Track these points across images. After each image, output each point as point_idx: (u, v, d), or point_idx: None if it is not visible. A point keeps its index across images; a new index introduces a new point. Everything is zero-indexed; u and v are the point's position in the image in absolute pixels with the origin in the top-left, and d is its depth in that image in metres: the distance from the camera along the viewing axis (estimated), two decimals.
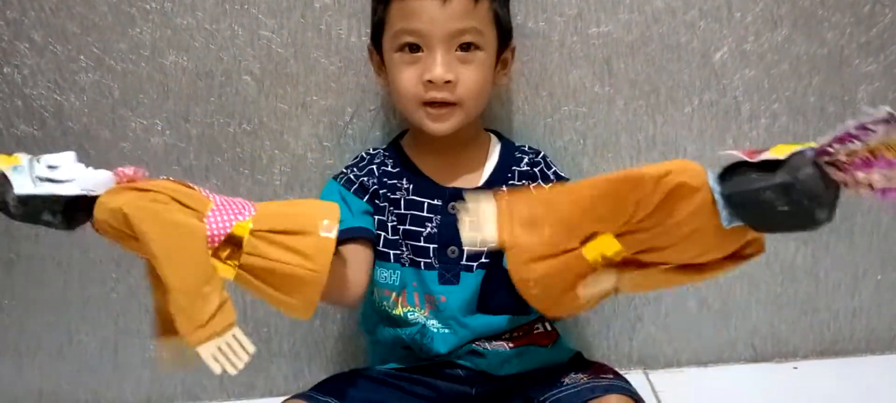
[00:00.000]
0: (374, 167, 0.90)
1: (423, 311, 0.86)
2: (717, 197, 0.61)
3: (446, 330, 0.86)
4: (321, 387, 0.86)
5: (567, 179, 0.92)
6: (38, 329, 1.06)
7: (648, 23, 0.96)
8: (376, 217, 0.87)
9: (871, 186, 0.56)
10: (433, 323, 0.86)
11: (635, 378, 1.07)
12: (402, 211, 0.87)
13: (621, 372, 0.88)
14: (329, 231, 0.68)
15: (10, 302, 1.05)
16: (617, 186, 0.65)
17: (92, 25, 0.94)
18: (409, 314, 0.86)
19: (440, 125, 0.84)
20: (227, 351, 0.65)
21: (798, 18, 0.97)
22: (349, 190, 0.87)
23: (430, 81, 0.81)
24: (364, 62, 0.95)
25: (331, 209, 0.70)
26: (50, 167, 0.65)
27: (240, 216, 0.67)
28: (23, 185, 0.64)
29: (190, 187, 0.68)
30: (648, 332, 1.10)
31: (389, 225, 0.87)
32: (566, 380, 0.82)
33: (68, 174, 0.65)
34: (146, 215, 0.64)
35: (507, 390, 0.86)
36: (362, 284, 0.83)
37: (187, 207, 0.65)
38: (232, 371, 0.65)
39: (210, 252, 0.65)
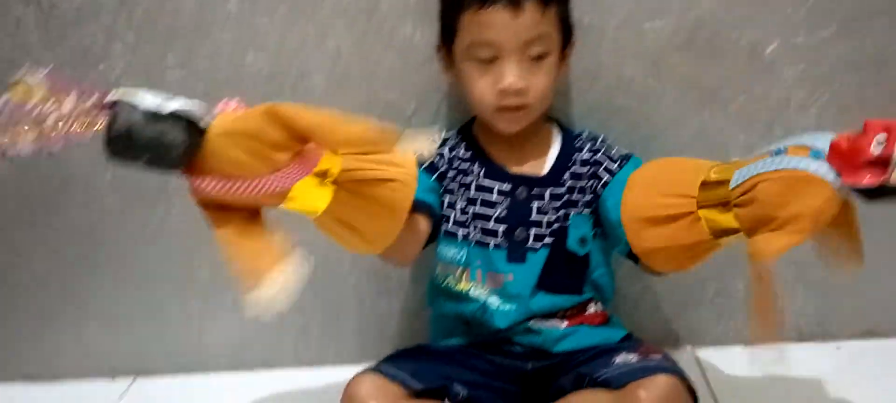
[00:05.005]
0: (446, 150, 0.95)
1: (484, 288, 0.91)
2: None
3: (507, 307, 0.91)
4: (389, 361, 0.92)
5: (630, 157, 0.94)
6: (130, 303, 1.16)
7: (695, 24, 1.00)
8: (445, 197, 0.93)
9: None
10: (494, 300, 0.91)
11: (682, 354, 1.11)
12: (473, 193, 0.92)
13: (669, 349, 0.93)
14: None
15: (101, 279, 1.15)
16: None
17: (175, 33, 1.03)
18: (470, 290, 0.92)
19: (513, 126, 0.90)
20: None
21: (842, 20, 1.00)
22: (419, 166, 0.92)
23: (503, 90, 0.86)
24: (426, 60, 1.01)
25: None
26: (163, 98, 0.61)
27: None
28: (151, 102, 0.60)
29: None
30: (696, 312, 1.14)
31: (458, 206, 0.92)
32: (617, 360, 0.86)
33: (181, 101, 0.62)
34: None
35: (561, 366, 0.91)
36: (415, 252, 0.90)
37: None
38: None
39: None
